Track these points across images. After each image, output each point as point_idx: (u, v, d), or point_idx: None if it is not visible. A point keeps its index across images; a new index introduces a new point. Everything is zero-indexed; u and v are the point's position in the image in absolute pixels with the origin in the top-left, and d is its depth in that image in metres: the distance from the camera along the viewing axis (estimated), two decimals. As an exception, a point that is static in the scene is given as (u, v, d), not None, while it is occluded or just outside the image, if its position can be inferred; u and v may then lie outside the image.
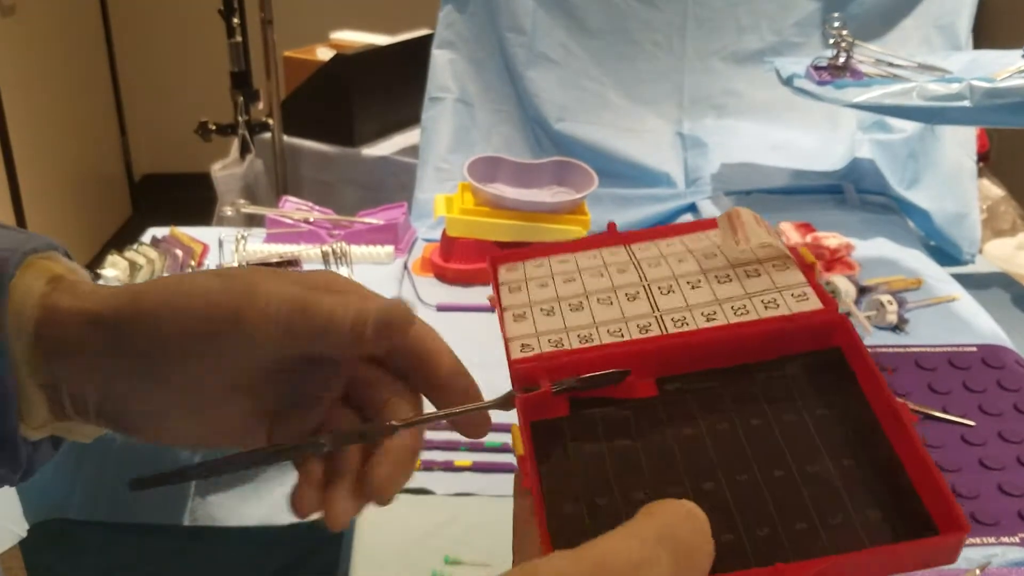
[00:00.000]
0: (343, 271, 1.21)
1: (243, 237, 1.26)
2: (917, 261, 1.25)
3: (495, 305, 0.40)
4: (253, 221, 1.41)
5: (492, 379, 0.40)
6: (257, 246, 1.27)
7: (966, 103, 0.97)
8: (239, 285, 0.35)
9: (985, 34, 1.53)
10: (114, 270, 1.14)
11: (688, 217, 1.40)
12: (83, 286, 0.37)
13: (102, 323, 0.36)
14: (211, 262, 1.25)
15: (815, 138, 1.49)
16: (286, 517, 0.95)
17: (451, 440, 0.94)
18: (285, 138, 1.89)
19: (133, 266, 1.16)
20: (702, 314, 0.37)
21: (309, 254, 1.24)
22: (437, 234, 1.28)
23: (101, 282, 0.97)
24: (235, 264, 1.21)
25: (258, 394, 0.38)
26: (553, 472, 0.33)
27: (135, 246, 1.20)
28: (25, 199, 2.64)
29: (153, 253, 1.19)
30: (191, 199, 1.88)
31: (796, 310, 0.36)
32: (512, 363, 0.36)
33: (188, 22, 3.18)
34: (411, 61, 1.68)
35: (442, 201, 1.22)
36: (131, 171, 3.51)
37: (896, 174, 1.42)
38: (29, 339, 0.36)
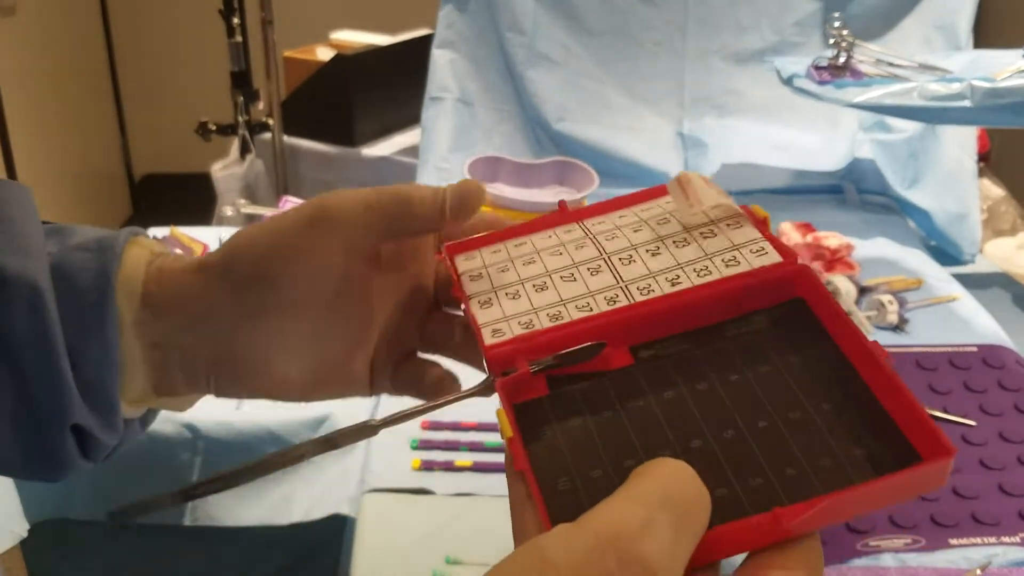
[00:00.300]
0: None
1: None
2: (917, 261, 1.25)
3: (459, 297, 0.40)
4: (253, 221, 1.41)
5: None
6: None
7: (966, 103, 0.97)
8: (317, 198, 0.39)
9: (985, 34, 1.53)
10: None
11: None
12: (182, 254, 0.41)
13: (208, 268, 0.39)
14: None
15: (816, 138, 1.49)
16: (286, 517, 0.95)
17: (451, 440, 0.94)
18: (285, 138, 1.89)
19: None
20: (666, 279, 0.37)
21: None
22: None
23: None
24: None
25: (356, 321, 0.41)
26: (542, 451, 0.33)
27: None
28: (25, 199, 2.64)
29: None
30: (191, 199, 1.88)
31: (757, 265, 0.37)
32: (486, 348, 0.37)
33: (188, 22, 3.18)
34: (411, 61, 1.68)
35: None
36: (131, 171, 3.51)
37: (897, 174, 1.42)
38: (139, 301, 0.39)
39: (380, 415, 1.04)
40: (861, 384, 0.32)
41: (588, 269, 0.39)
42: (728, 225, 0.39)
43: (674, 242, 0.39)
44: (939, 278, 1.20)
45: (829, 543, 0.74)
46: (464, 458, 0.91)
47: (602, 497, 0.27)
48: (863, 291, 1.11)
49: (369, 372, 0.42)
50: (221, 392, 0.41)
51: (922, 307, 1.12)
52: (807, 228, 1.28)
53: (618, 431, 0.33)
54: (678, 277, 0.37)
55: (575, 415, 0.34)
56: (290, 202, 1.35)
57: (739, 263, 0.37)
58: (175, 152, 3.23)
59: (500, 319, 0.38)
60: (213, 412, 0.96)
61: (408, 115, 1.80)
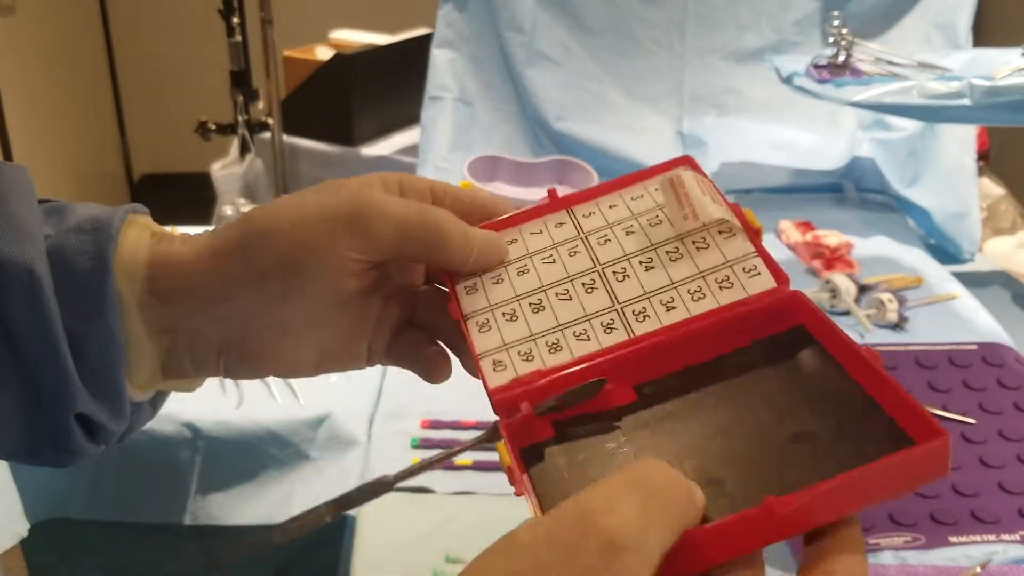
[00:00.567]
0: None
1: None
2: (917, 259, 1.25)
3: (456, 317, 0.40)
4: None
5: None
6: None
7: (966, 101, 0.97)
8: (352, 196, 0.38)
9: (985, 32, 1.53)
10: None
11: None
12: (183, 235, 0.40)
13: (223, 253, 0.38)
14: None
15: (815, 137, 1.49)
16: (286, 517, 0.95)
17: (451, 439, 0.94)
18: (285, 138, 1.89)
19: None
20: (661, 302, 0.38)
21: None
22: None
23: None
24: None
25: (360, 308, 0.41)
26: (546, 485, 0.33)
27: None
28: (25, 199, 2.64)
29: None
30: (191, 199, 1.88)
31: (751, 289, 0.37)
32: (491, 393, 0.37)
33: (188, 22, 3.18)
34: (411, 60, 1.68)
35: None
36: (131, 171, 3.51)
37: (896, 173, 1.43)
38: (143, 286, 0.38)
39: (380, 414, 1.04)
40: (864, 395, 0.32)
41: (583, 285, 0.39)
42: (720, 233, 0.39)
43: (667, 253, 0.39)
44: (939, 276, 1.20)
45: (829, 541, 0.75)
46: (464, 457, 0.91)
47: None
48: (863, 289, 1.11)
49: (367, 349, 0.43)
50: (230, 374, 0.41)
51: (922, 305, 1.12)
52: (807, 227, 1.28)
53: (620, 456, 0.34)
54: (672, 300, 0.38)
55: (580, 455, 0.34)
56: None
57: (732, 284, 0.37)
58: (175, 152, 3.23)
59: (499, 347, 0.38)
60: (213, 412, 0.96)
61: (408, 114, 1.79)
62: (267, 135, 1.90)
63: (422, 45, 1.55)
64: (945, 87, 0.99)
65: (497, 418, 0.36)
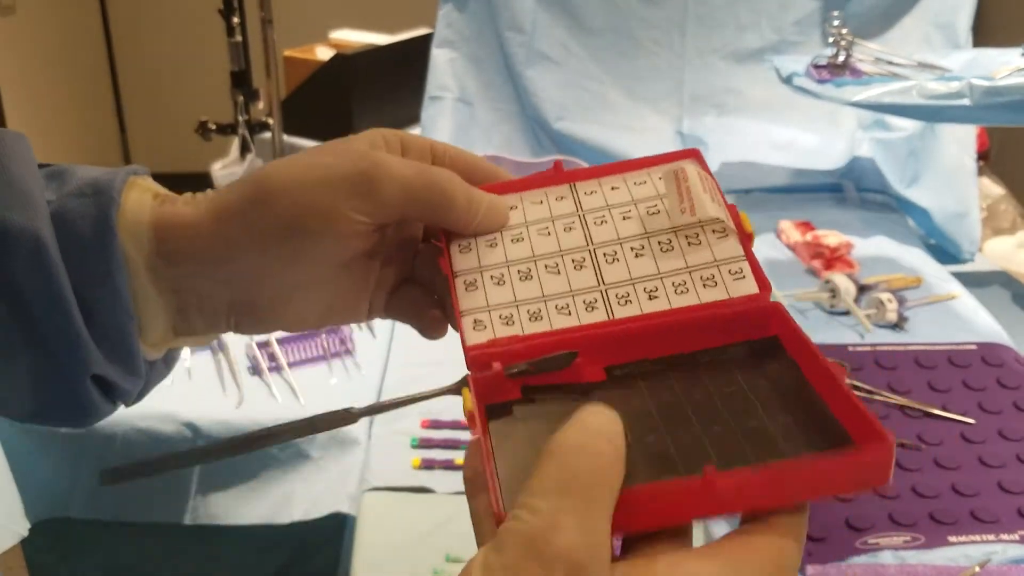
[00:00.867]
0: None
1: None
2: (917, 259, 1.25)
3: (446, 273, 0.40)
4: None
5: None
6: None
7: (966, 101, 0.97)
8: (358, 158, 0.38)
9: (984, 32, 1.53)
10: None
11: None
12: (187, 196, 0.40)
13: (226, 215, 0.38)
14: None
15: (815, 136, 1.49)
16: (286, 516, 0.95)
17: (451, 439, 0.94)
18: (285, 137, 1.89)
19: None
20: (644, 290, 0.38)
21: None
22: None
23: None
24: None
25: (363, 267, 0.42)
26: (505, 448, 0.34)
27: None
28: (25, 199, 2.64)
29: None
30: (191, 199, 1.88)
31: (733, 292, 0.38)
32: (467, 349, 0.38)
33: (188, 22, 3.18)
34: (411, 60, 1.68)
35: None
36: (131, 171, 3.51)
37: (896, 172, 1.43)
38: (150, 247, 0.38)
39: (380, 414, 1.04)
40: (822, 405, 0.34)
41: (573, 262, 0.40)
42: (714, 232, 0.40)
43: (659, 243, 0.40)
44: (938, 276, 1.20)
45: (828, 541, 0.75)
46: (464, 457, 0.91)
47: None
48: (862, 289, 1.11)
49: (368, 305, 0.44)
50: (239, 331, 0.41)
51: (921, 305, 1.12)
52: (806, 226, 1.28)
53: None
54: (656, 290, 0.38)
55: (542, 419, 0.35)
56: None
57: (716, 284, 0.38)
58: (175, 151, 3.22)
59: (482, 307, 0.39)
60: (213, 412, 0.96)
61: (408, 114, 1.79)
62: (267, 135, 1.90)
63: (422, 45, 1.55)
64: (945, 87, 0.99)
65: (468, 372, 0.37)
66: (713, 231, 0.39)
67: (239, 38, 1.83)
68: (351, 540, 0.87)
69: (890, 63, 1.12)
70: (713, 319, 0.37)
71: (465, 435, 0.94)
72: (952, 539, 0.75)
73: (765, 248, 1.27)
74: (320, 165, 0.38)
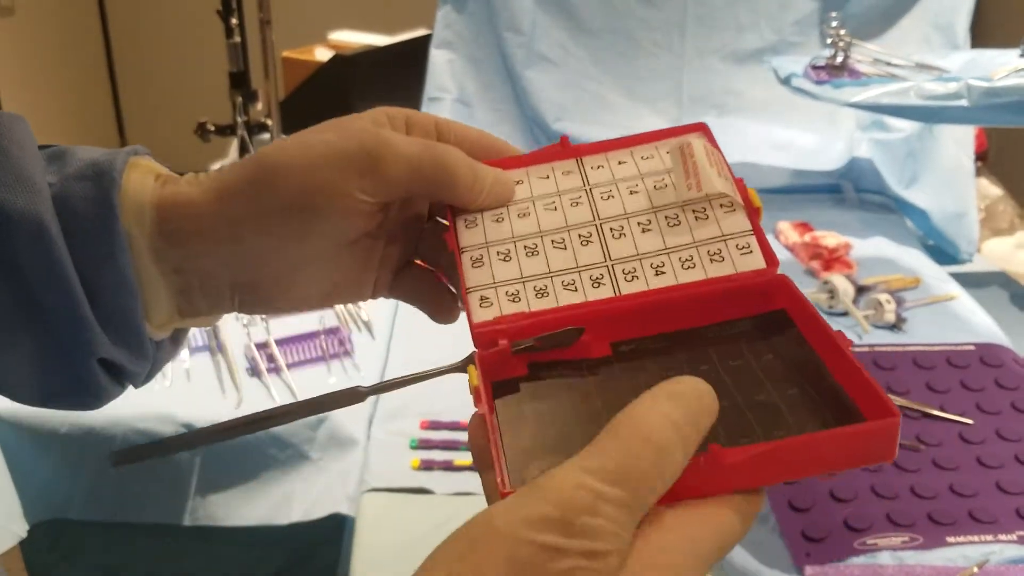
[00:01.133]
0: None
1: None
2: (915, 260, 1.25)
3: (452, 249, 0.40)
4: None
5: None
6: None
7: (964, 102, 0.97)
8: (363, 136, 0.38)
9: (983, 33, 1.53)
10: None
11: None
12: (189, 176, 0.40)
13: (229, 195, 0.38)
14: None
15: (814, 137, 1.49)
16: (286, 517, 0.95)
17: (451, 440, 0.94)
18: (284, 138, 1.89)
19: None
20: (651, 265, 0.38)
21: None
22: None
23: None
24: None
25: (368, 246, 0.41)
26: (511, 421, 0.34)
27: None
28: (24, 200, 2.64)
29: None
30: (190, 199, 1.88)
31: (740, 267, 0.38)
32: (474, 327, 0.38)
33: (186, 23, 3.18)
34: (410, 61, 1.68)
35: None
36: (130, 171, 3.51)
37: (894, 173, 1.43)
38: (152, 228, 0.38)
39: (379, 415, 1.04)
40: (829, 378, 0.34)
41: (579, 237, 0.40)
42: (721, 207, 0.39)
43: (666, 218, 0.40)
44: (937, 277, 1.20)
45: (827, 541, 0.75)
46: (464, 457, 0.91)
47: (562, 459, 0.28)
48: (861, 290, 1.11)
49: (373, 284, 0.43)
50: (243, 310, 0.41)
51: (920, 306, 1.12)
52: (805, 227, 1.28)
53: (587, 406, 0.35)
54: (663, 265, 0.38)
55: (549, 395, 0.35)
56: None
57: (723, 259, 0.38)
58: (174, 152, 3.22)
59: (489, 284, 0.39)
60: (212, 413, 0.96)
61: (407, 115, 1.80)
62: (266, 136, 1.90)
63: (421, 46, 1.55)
64: (943, 88, 0.99)
65: (475, 349, 0.37)
66: (720, 206, 0.39)
67: (238, 39, 1.83)
68: (350, 541, 0.87)
69: (888, 64, 1.12)
70: (719, 293, 0.37)
71: (464, 436, 0.94)
72: (950, 539, 0.75)
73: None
74: (323, 143, 0.38)
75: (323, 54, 1.98)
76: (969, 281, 1.20)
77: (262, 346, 1.06)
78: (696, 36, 1.49)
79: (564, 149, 0.44)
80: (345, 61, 1.85)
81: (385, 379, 0.40)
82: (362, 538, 0.84)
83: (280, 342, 1.07)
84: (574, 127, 1.47)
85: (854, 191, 1.47)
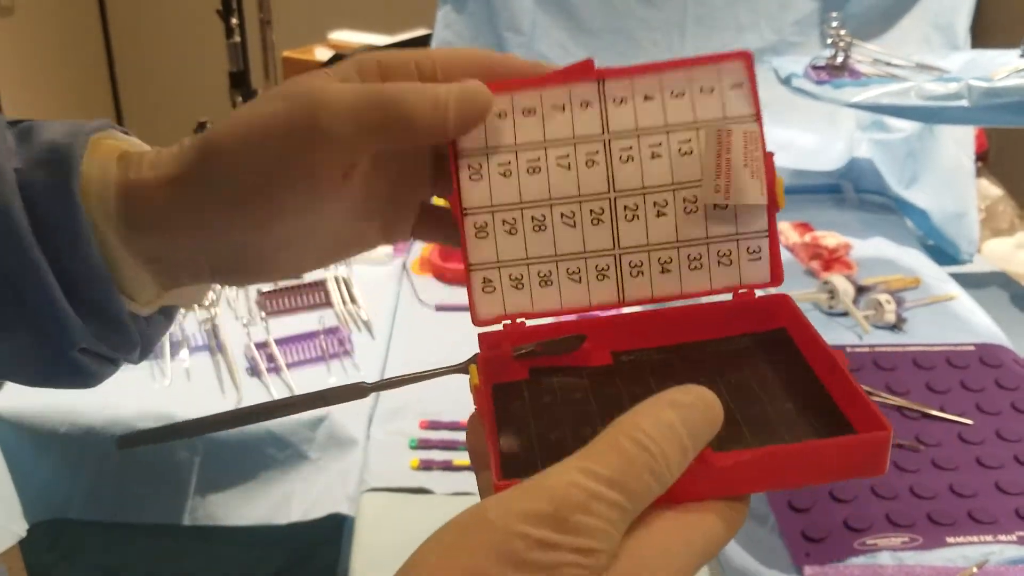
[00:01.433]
0: (342, 270, 1.21)
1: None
2: (915, 260, 1.25)
3: (456, 212, 0.38)
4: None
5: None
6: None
7: (964, 103, 0.97)
8: (303, 99, 0.34)
9: (983, 33, 1.53)
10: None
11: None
12: (152, 156, 0.37)
13: (185, 183, 0.35)
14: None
15: (814, 137, 1.49)
16: (285, 517, 0.95)
17: (450, 440, 0.94)
18: (284, 138, 1.89)
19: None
20: (659, 260, 0.38)
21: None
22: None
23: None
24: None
25: (362, 200, 0.38)
26: (510, 423, 0.35)
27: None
28: (24, 199, 2.64)
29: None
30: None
31: (745, 278, 0.38)
32: (479, 326, 0.38)
33: (186, 22, 3.18)
34: (410, 61, 1.68)
35: (440, 202, 1.23)
36: (130, 171, 3.51)
37: (894, 173, 1.43)
38: (118, 220, 0.36)
39: (379, 415, 1.04)
40: (824, 393, 0.34)
41: (591, 213, 0.38)
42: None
43: (684, 201, 0.38)
44: (937, 277, 1.20)
45: (826, 542, 0.75)
46: (463, 457, 0.91)
47: (557, 459, 0.28)
48: (861, 290, 1.11)
49: (381, 231, 0.41)
50: (232, 284, 0.39)
51: (920, 306, 1.12)
52: (805, 227, 1.28)
53: (585, 410, 0.35)
54: (670, 261, 0.38)
55: (548, 399, 0.36)
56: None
57: (731, 264, 0.38)
58: (174, 152, 3.22)
59: (492, 263, 0.38)
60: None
61: (407, 115, 1.80)
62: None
63: (421, 46, 1.55)
64: (943, 88, 0.99)
65: (478, 351, 0.38)
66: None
67: (238, 39, 1.83)
68: (350, 541, 0.87)
69: (888, 64, 1.12)
70: (722, 311, 0.38)
71: (464, 436, 0.94)
72: (950, 540, 0.75)
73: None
74: (261, 115, 0.35)
75: (323, 54, 1.98)
76: (969, 281, 1.20)
77: (262, 346, 1.06)
78: (696, 36, 1.49)
79: (586, 70, 0.38)
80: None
81: (387, 377, 0.40)
82: (362, 538, 0.84)
83: (280, 342, 1.07)
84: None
85: (854, 191, 1.47)
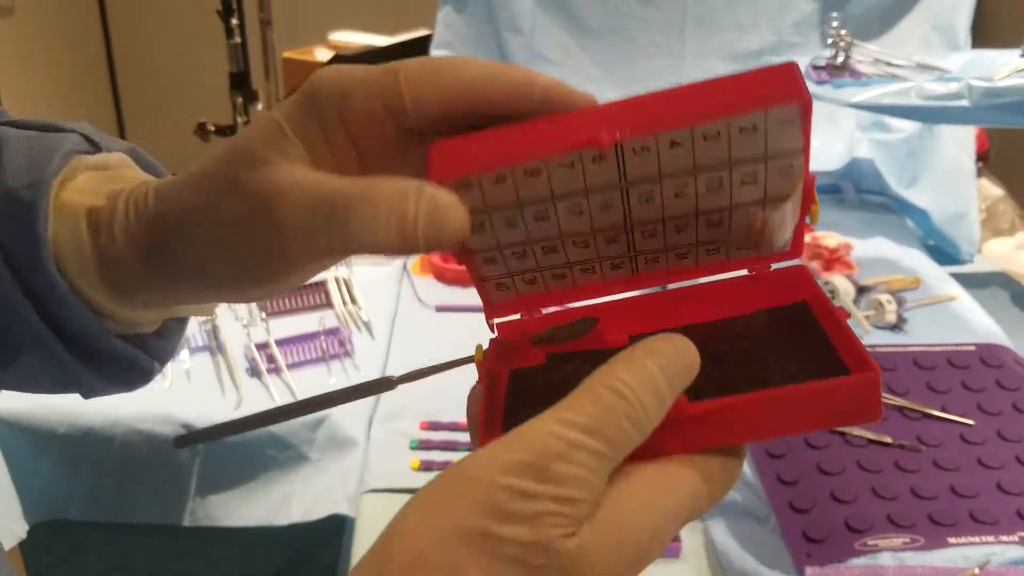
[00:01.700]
0: (342, 271, 1.21)
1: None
2: (916, 260, 1.25)
3: (466, 264, 0.36)
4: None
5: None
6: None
7: (964, 102, 0.97)
8: (259, 202, 0.31)
9: (983, 33, 1.53)
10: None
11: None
12: (120, 217, 0.35)
13: (157, 257, 0.35)
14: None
15: (814, 137, 1.48)
16: (285, 517, 0.95)
17: (451, 440, 0.94)
18: (284, 139, 1.89)
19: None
20: (676, 255, 0.37)
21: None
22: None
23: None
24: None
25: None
26: (515, 400, 0.34)
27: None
28: (24, 200, 2.64)
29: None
30: (190, 200, 1.87)
31: (764, 250, 0.37)
32: (491, 317, 0.38)
33: (186, 23, 3.18)
34: (410, 61, 1.68)
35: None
36: (130, 172, 3.51)
37: (895, 174, 1.43)
38: (102, 287, 0.36)
39: (379, 415, 1.04)
40: (834, 354, 0.33)
41: (605, 238, 0.36)
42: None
43: (707, 218, 0.35)
44: (937, 277, 1.20)
45: (827, 542, 0.75)
46: (463, 458, 0.90)
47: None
48: (861, 291, 1.11)
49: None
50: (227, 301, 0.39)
51: (921, 306, 1.12)
52: (805, 227, 1.28)
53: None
54: (687, 253, 0.37)
55: (560, 381, 0.35)
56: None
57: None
58: (174, 153, 3.22)
59: (504, 275, 0.37)
60: (212, 414, 0.96)
61: (407, 115, 1.80)
62: (266, 136, 1.90)
63: (421, 46, 1.55)
64: (944, 88, 0.99)
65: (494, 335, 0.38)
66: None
67: (238, 39, 1.83)
68: (350, 542, 0.87)
69: (889, 64, 1.12)
70: (740, 285, 0.37)
71: (464, 436, 0.94)
72: (951, 540, 0.75)
73: (764, 249, 1.26)
74: (218, 216, 0.32)
75: (323, 54, 1.98)
76: (970, 281, 1.20)
77: (262, 346, 1.06)
78: (696, 37, 1.49)
79: (596, 139, 0.31)
80: (345, 61, 1.85)
81: (411, 371, 0.39)
82: (362, 538, 0.84)
83: (280, 342, 1.07)
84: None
85: (854, 191, 1.47)
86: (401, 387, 0.39)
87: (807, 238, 1.23)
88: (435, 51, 1.49)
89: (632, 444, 0.28)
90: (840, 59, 1.11)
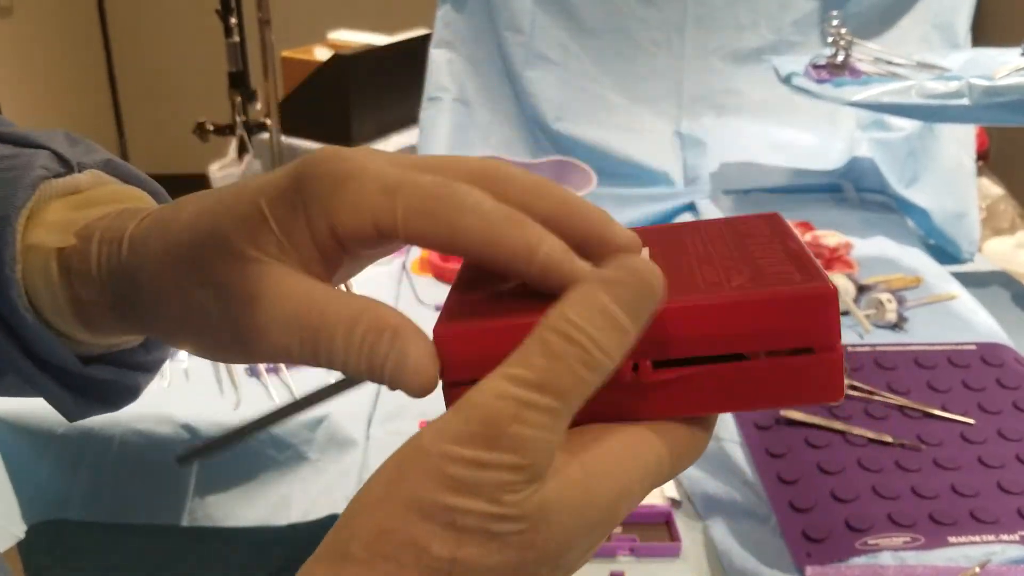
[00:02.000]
0: (342, 271, 1.21)
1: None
2: (916, 260, 1.25)
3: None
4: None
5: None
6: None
7: (965, 101, 0.97)
8: (235, 301, 0.30)
9: (984, 32, 1.53)
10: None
11: (687, 216, 1.40)
12: (93, 261, 0.34)
13: (123, 314, 0.34)
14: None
15: (814, 137, 1.49)
16: (284, 518, 0.95)
17: (450, 440, 0.93)
18: (283, 138, 1.89)
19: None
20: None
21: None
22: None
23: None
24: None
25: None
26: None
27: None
28: (23, 200, 2.64)
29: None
30: (189, 199, 1.88)
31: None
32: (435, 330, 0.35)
33: (185, 22, 3.18)
34: (409, 61, 1.68)
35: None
36: (129, 172, 3.51)
37: (895, 173, 1.42)
38: (82, 330, 0.36)
39: (378, 415, 1.04)
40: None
41: None
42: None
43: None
44: (938, 276, 1.20)
45: (828, 542, 0.74)
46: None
47: None
48: (862, 290, 1.11)
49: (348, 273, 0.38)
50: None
51: (921, 306, 1.12)
52: (806, 227, 1.28)
53: None
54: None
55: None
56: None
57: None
58: (173, 152, 3.22)
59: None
60: (211, 413, 0.96)
61: (406, 115, 1.79)
62: (265, 136, 1.90)
63: (421, 46, 1.55)
64: (944, 87, 0.99)
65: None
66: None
67: (237, 39, 1.83)
68: (349, 542, 0.87)
69: (889, 63, 1.12)
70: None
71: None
72: (952, 540, 0.75)
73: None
74: (196, 307, 0.31)
75: (323, 54, 1.98)
76: (970, 281, 1.20)
77: (261, 346, 1.06)
78: (696, 36, 1.49)
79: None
80: (345, 61, 1.85)
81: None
82: (361, 539, 0.84)
83: (279, 342, 1.07)
84: (573, 127, 1.47)
85: (855, 191, 1.47)
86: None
87: (807, 237, 1.23)
88: (434, 50, 1.49)
89: (591, 388, 0.26)
90: (840, 58, 1.11)
